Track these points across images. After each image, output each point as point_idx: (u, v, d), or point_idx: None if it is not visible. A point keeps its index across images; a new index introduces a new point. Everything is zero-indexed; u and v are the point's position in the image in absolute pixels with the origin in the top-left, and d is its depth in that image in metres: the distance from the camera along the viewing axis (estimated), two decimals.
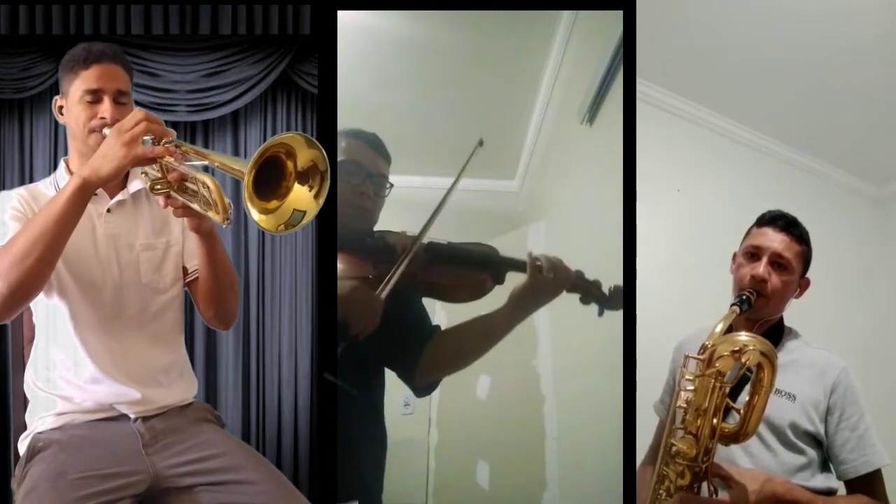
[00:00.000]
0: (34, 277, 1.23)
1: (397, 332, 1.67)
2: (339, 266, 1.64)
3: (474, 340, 1.63)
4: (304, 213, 1.16)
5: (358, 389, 1.70)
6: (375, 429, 1.75)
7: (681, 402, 1.40)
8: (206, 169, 1.23)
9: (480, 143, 1.70)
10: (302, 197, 1.16)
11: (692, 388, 1.38)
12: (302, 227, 1.17)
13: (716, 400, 1.37)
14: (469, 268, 1.62)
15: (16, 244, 1.23)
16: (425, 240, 1.65)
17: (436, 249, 1.65)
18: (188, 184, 1.24)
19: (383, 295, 1.54)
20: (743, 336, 1.37)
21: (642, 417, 1.89)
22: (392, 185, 1.73)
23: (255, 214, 1.12)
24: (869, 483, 1.49)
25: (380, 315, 1.54)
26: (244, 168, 1.09)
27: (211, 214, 1.21)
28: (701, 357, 1.38)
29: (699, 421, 1.38)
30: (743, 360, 1.35)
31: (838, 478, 1.52)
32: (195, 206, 1.23)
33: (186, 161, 1.23)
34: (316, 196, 1.17)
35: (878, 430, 1.51)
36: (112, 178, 1.24)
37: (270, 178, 1.13)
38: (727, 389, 1.38)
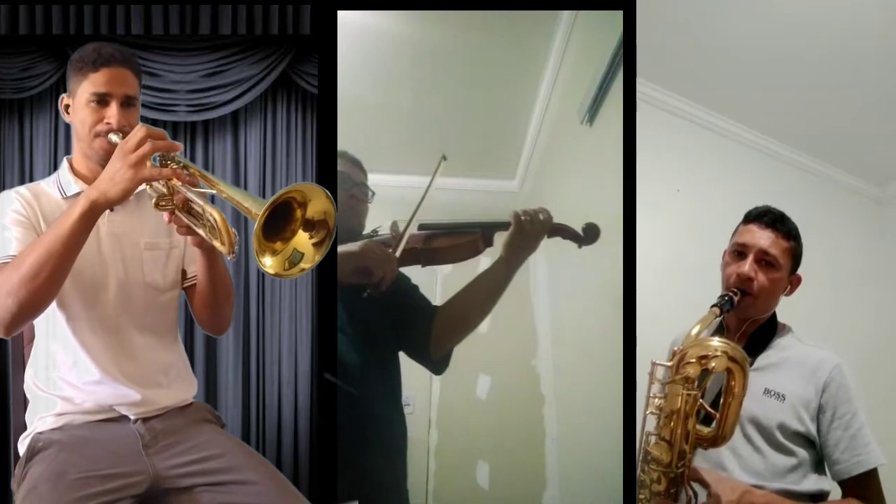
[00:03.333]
0: (43, 296, 1.25)
1: (405, 319, 1.76)
2: (370, 251, 1.73)
3: (478, 298, 1.73)
4: (303, 255, 1.17)
5: (377, 377, 1.76)
6: (397, 415, 1.80)
7: (652, 409, 1.40)
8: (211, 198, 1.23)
9: (444, 158, 1.84)
10: (303, 242, 1.17)
11: (661, 394, 1.38)
12: (301, 273, 1.17)
13: (686, 406, 1.36)
14: (461, 232, 1.77)
15: (24, 263, 1.23)
16: (417, 223, 1.76)
17: (428, 226, 1.78)
18: (194, 206, 1.24)
19: (397, 253, 1.66)
20: (715, 341, 1.37)
21: (642, 417, 1.89)
22: (374, 193, 1.83)
23: (266, 261, 1.13)
24: (863, 484, 1.46)
25: (396, 266, 1.66)
26: (255, 208, 1.09)
27: (216, 243, 1.21)
28: (668, 364, 1.37)
29: (671, 426, 1.37)
30: (710, 366, 1.34)
31: (833, 478, 1.50)
32: (200, 232, 1.24)
33: (193, 183, 1.23)
34: (316, 245, 1.17)
35: (876, 429, 1.49)
36: (120, 201, 1.24)
37: (277, 219, 1.13)
38: (699, 394, 1.38)
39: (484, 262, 1.74)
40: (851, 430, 1.46)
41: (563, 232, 1.76)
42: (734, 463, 1.48)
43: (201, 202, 1.21)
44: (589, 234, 1.75)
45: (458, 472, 2.72)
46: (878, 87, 2.61)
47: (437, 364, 1.81)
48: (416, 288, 1.82)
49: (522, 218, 1.68)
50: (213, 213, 1.18)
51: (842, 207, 3.21)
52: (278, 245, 1.15)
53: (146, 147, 1.21)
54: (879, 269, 3.19)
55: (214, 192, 1.21)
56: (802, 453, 1.48)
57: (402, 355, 1.79)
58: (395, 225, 1.77)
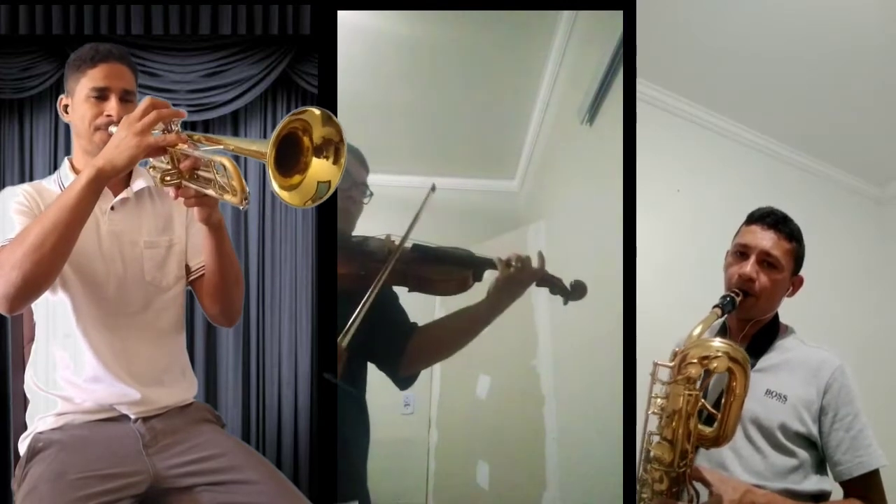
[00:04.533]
0: (48, 268, 1.23)
1: (380, 329, 1.74)
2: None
3: (455, 333, 1.77)
4: (329, 182, 1.17)
5: (349, 385, 1.78)
6: (361, 421, 1.80)
7: (654, 409, 1.41)
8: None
9: (433, 189, 1.85)
10: (322, 168, 1.16)
11: (663, 394, 1.39)
12: (329, 196, 1.17)
13: (687, 407, 1.37)
14: (453, 266, 1.78)
15: (29, 235, 1.22)
16: (410, 241, 1.76)
17: (421, 250, 1.78)
18: (201, 171, 1.23)
19: (344, 343, 1.62)
20: (716, 342, 1.37)
21: (642, 417, 1.89)
22: (372, 194, 1.81)
23: (280, 192, 1.12)
24: (865, 485, 1.47)
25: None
26: (263, 148, 1.09)
27: (228, 198, 1.20)
28: (669, 364, 1.38)
29: (673, 426, 1.38)
30: (711, 367, 1.35)
31: (835, 479, 1.50)
32: (210, 192, 1.22)
33: (198, 148, 1.23)
34: (335, 163, 1.17)
35: (877, 430, 1.49)
36: (126, 169, 1.24)
37: (288, 155, 1.13)
38: (700, 395, 1.38)
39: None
40: (853, 431, 1.46)
41: (552, 285, 1.77)
42: (736, 463, 1.49)
43: (209, 156, 1.20)
44: (576, 291, 1.77)
45: (458, 472, 2.72)
46: (878, 87, 2.61)
47: (402, 381, 1.81)
48: (396, 298, 1.81)
49: (514, 265, 1.70)
50: (223, 162, 1.17)
51: (842, 207, 3.21)
52: (296, 178, 1.15)
53: (151, 115, 1.21)
54: (879, 270, 3.19)
55: (221, 147, 1.21)
56: (803, 454, 1.49)
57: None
58: (388, 238, 1.75)
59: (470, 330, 1.75)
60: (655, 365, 1.40)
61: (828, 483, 1.52)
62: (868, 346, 2.84)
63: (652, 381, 1.41)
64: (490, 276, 1.75)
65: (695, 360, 1.35)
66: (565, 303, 1.78)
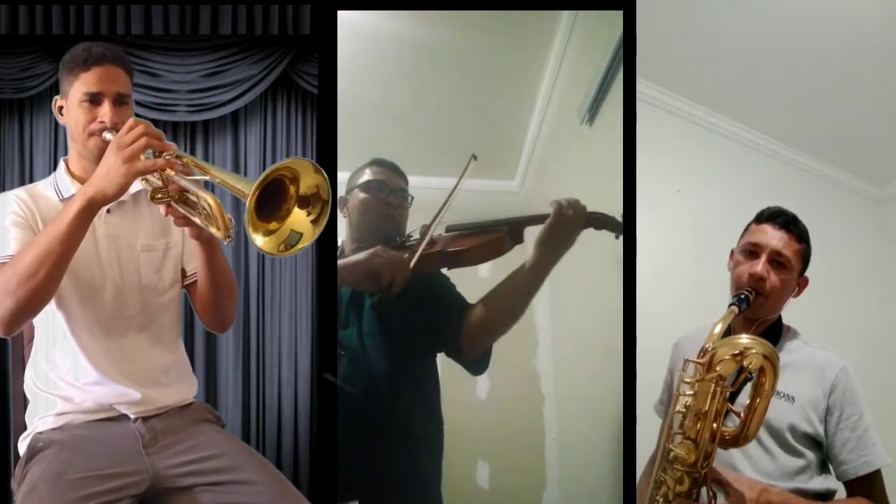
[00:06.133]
0: (41, 294, 1.25)
1: (438, 315, 1.73)
2: (376, 255, 1.68)
3: (501, 305, 1.66)
4: (301, 234, 1.17)
5: (410, 383, 1.74)
6: (431, 424, 1.78)
7: (679, 407, 1.38)
8: (206, 183, 1.24)
9: (474, 158, 1.76)
10: (300, 220, 1.17)
11: (691, 392, 1.36)
12: (300, 250, 1.17)
13: (716, 404, 1.34)
14: (485, 230, 1.68)
15: (22, 262, 1.23)
16: (444, 224, 1.72)
17: (456, 227, 1.74)
18: (189, 195, 1.24)
19: (412, 262, 1.59)
20: (744, 339, 1.35)
21: (642, 417, 1.89)
22: (413, 198, 1.82)
23: (258, 239, 1.13)
24: (868, 484, 1.48)
25: (407, 267, 1.59)
26: (247, 189, 1.09)
27: (213, 230, 1.21)
28: (701, 361, 1.35)
29: (699, 425, 1.35)
30: (745, 363, 1.32)
31: (838, 478, 1.51)
32: (196, 220, 1.24)
33: (188, 172, 1.23)
34: (314, 222, 1.17)
35: (878, 430, 1.50)
36: (117, 197, 1.24)
37: (271, 200, 1.14)
38: (728, 394, 1.36)
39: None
40: (858, 430, 1.47)
41: (602, 222, 1.62)
42: (745, 464, 1.49)
43: (195, 189, 1.21)
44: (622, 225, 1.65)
45: (458, 472, 2.72)
46: (878, 86, 2.61)
47: (472, 364, 1.76)
48: (452, 287, 1.78)
49: (563, 203, 1.56)
50: (207, 199, 1.18)
51: (842, 207, 3.20)
52: (273, 225, 1.16)
53: (141, 142, 1.21)
54: (879, 270, 3.19)
55: (207, 177, 1.21)
56: (810, 454, 1.49)
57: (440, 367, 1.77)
58: (424, 228, 1.72)
59: (515, 298, 1.64)
60: (686, 361, 1.38)
61: (833, 482, 1.53)
62: (868, 346, 2.84)
63: (680, 379, 1.39)
64: (531, 235, 1.62)
65: (727, 357, 1.33)
66: (617, 237, 1.64)
